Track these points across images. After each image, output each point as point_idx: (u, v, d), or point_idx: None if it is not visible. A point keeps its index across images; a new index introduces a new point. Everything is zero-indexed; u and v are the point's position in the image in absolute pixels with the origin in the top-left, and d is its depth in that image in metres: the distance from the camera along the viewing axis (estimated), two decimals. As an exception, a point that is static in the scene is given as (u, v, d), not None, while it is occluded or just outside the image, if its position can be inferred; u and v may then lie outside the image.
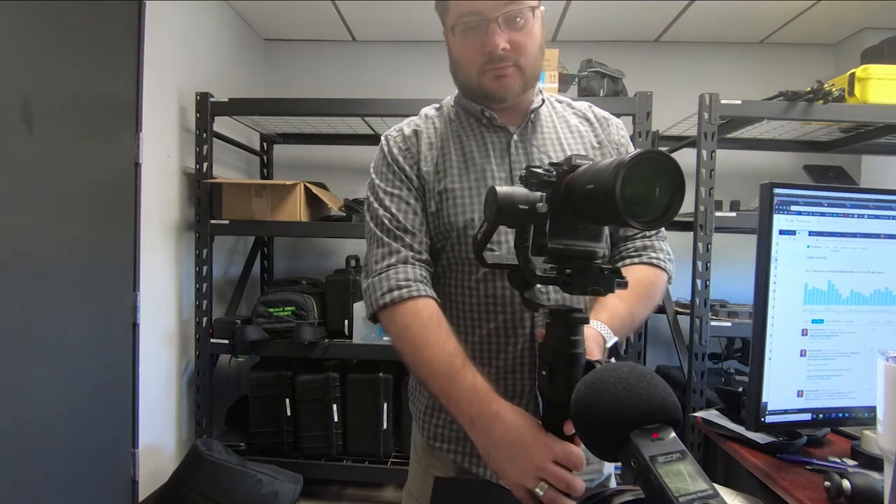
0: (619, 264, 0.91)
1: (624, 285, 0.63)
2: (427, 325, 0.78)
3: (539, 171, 0.64)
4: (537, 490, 0.64)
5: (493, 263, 0.72)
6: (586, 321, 0.64)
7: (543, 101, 0.95)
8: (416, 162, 0.91)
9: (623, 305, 0.82)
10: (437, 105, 0.99)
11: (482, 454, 0.71)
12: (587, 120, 0.96)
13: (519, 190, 0.64)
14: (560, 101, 0.99)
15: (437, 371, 0.75)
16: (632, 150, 0.91)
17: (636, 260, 0.92)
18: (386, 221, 0.87)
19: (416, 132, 0.93)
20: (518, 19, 0.82)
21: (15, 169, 1.49)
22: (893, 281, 0.96)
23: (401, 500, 1.02)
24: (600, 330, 0.76)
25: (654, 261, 0.91)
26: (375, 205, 0.90)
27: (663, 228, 0.93)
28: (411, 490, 0.98)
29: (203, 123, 2.24)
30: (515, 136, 0.90)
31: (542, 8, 0.86)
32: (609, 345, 0.75)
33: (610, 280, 0.62)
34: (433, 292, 0.84)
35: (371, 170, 0.94)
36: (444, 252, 0.89)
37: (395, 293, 0.81)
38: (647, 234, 0.92)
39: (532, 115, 0.92)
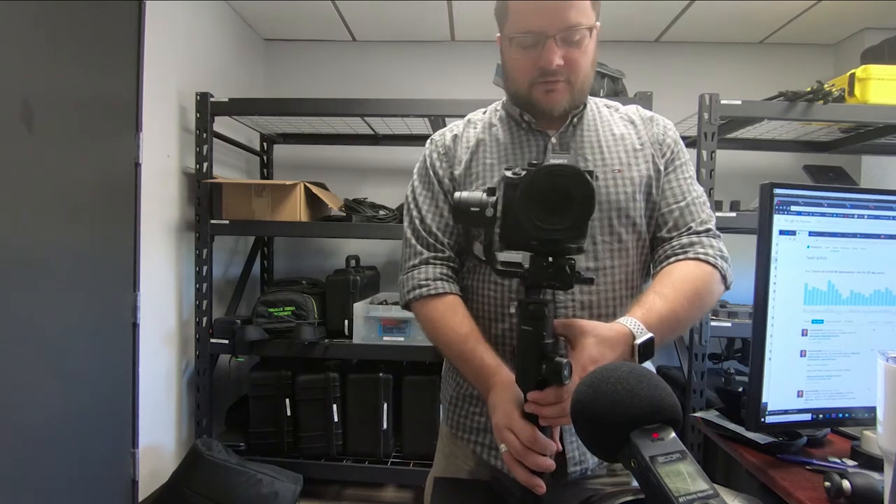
0: (664, 263, 0.87)
1: (588, 281, 0.68)
2: (444, 315, 0.88)
3: (508, 172, 0.68)
4: (501, 447, 0.71)
5: (480, 259, 0.77)
6: (541, 312, 0.67)
7: (585, 105, 0.95)
8: (451, 167, 0.96)
9: (663, 303, 0.78)
10: (484, 109, 1.03)
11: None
12: (632, 123, 0.96)
13: (475, 194, 0.70)
14: (609, 106, 0.99)
15: (454, 353, 0.86)
16: (683, 151, 0.93)
17: (681, 257, 0.86)
18: (417, 223, 0.96)
19: (455, 137, 0.98)
20: (575, 37, 0.83)
21: (15, 169, 1.49)
22: (893, 281, 0.96)
23: (424, 490, 1.06)
24: (630, 326, 0.73)
25: (702, 256, 0.84)
26: (411, 205, 0.98)
27: (714, 224, 0.89)
28: (434, 477, 1.01)
29: (203, 123, 2.24)
30: (553, 140, 0.92)
31: (598, 24, 0.87)
32: (639, 341, 0.72)
33: (567, 275, 0.65)
34: (454, 286, 0.92)
35: (414, 170, 1.01)
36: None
37: (417, 291, 0.91)
38: (696, 230, 0.88)
39: (574, 120, 0.93)
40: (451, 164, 0.96)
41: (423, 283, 0.91)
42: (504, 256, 0.71)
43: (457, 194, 0.71)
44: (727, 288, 0.88)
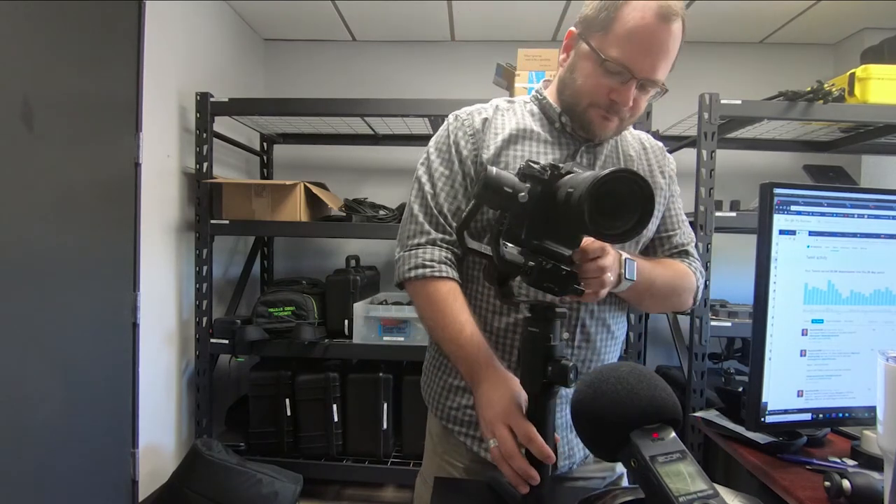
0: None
1: (579, 292, 0.68)
2: (445, 299, 0.87)
3: (535, 166, 0.66)
4: (490, 442, 0.71)
5: (471, 248, 0.76)
6: (564, 316, 0.67)
7: None
8: (476, 149, 0.92)
9: (646, 262, 0.88)
10: (510, 99, 1.00)
11: (476, 409, 0.78)
12: (644, 148, 1.00)
13: (510, 175, 0.68)
14: None
15: (450, 337, 0.84)
16: (676, 187, 1.01)
17: (675, 259, 1.00)
18: (429, 199, 0.92)
19: (485, 121, 0.94)
20: (651, 88, 0.84)
21: (15, 169, 1.49)
22: (893, 281, 0.96)
23: (414, 489, 1.05)
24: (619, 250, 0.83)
25: (685, 263, 0.99)
26: (424, 178, 0.94)
27: (696, 252, 1.03)
28: (425, 478, 1.01)
29: (203, 123, 2.24)
30: (584, 147, 0.93)
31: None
32: (624, 257, 0.82)
33: (566, 281, 0.65)
34: (455, 273, 0.90)
35: (431, 142, 0.97)
36: (482, 238, 0.92)
37: (420, 271, 0.88)
38: (691, 252, 1.01)
39: None
40: (478, 147, 0.92)
41: (428, 263, 0.88)
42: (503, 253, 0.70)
43: (492, 168, 0.68)
44: (695, 303, 1.01)
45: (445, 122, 0.97)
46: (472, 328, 0.83)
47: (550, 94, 0.95)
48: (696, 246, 1.07)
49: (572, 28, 0.88)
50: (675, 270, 0.95)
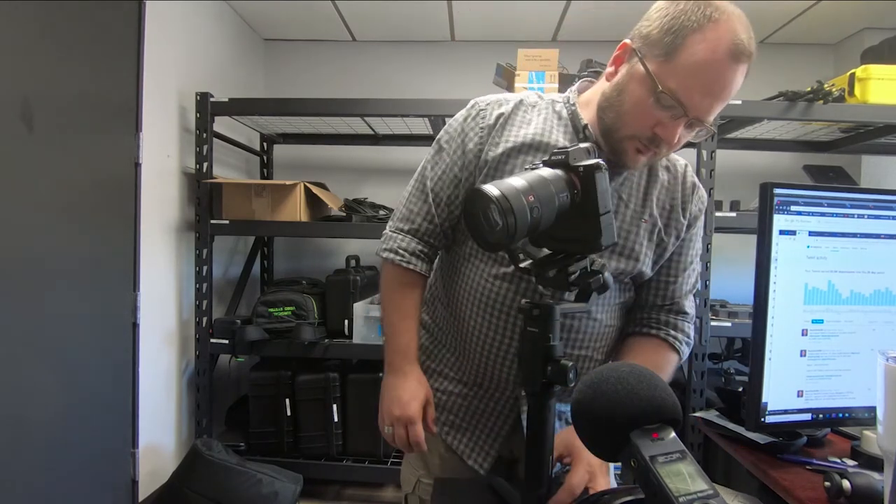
0: (639, 332, 0.95)
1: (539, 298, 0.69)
2: (403, 286, 0.96)
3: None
4: (386, 428, 0.92)
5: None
6: (548, 314, 0.64)
7: None
8: (483, 144, 0.89)
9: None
10: (541, 95, 0.94)
11: (382, 392, 0.96)
12: (675, 178, 0.93)
13: None
14: None
15: (391, 320, 0.97)
16: (702, 223, 0.95)
17: (653, 332, 0.94)
18: (427, 183, 0.95)
19: (500, 117, 0.89)
20: (697, 128, 0.79)
21: (15, 169, 1.49)
22: (893, 281, 0.96)
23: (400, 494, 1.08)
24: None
25: (670, 339, 0.93)
26: (429, 160, 0.96)
27: (692, 310, 0.96)
28: (409, 461, 1.05)
29: (203, 123, 2.24)
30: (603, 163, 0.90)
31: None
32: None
33: (560, 280, 0.66)
34: (426, 266, 0.96)
35: (447, 125, 0.96)
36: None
37: (391, 255, 0.96)
38: (674, 311, 0.95)
39: None
40: (484, 143, 0.88)
41: (401, 251, 0.95)
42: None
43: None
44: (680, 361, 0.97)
45: (466, 111, 0.93)
46: (412, 323, 0.94)
47: (583, 105, 0.89)
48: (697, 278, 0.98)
49: (628, 41, 0.81)
50: (656, 368, 0.88)
